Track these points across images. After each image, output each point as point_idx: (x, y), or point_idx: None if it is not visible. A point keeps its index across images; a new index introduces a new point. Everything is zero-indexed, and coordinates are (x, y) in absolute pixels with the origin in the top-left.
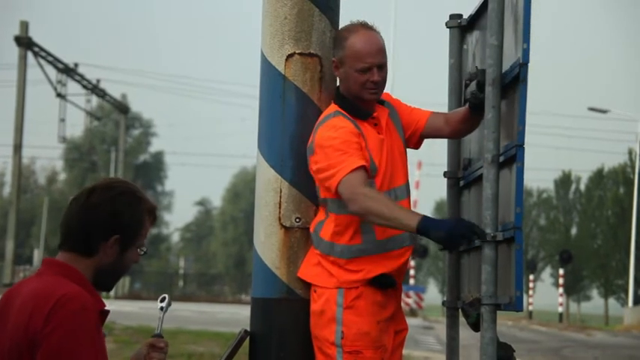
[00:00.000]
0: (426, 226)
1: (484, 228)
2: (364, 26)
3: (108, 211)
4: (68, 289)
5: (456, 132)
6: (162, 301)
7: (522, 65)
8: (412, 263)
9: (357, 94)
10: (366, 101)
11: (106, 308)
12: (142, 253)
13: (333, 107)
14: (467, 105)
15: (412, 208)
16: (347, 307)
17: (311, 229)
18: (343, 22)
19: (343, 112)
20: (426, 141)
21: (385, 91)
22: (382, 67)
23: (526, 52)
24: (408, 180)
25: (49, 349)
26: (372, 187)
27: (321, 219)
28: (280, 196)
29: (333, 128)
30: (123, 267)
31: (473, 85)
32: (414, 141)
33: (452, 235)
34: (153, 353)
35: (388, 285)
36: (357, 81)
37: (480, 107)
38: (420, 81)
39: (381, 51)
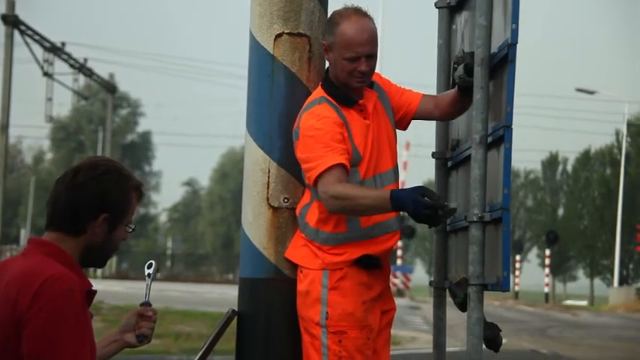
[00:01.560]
0: (397, 207)
1: (472, 209)
2: (357, 12)
3: (95, 190)
4: (55, 270)
5: (445, 115)
6: (149, 267)
7: (511, 46)
8: (399, 244)
9: (344, 81)
10: (354, 88)
11: (93, 288)
12: (131, 230)
13: (320, 92)
14: (456, 88)
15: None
16: (332, 288)
17: (297, 212)
18: (332, 2)
19: (329, 97)
20: (414, 122)
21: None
22: (371, 57)
23: (515, 33)
24: (396, 163)
25: (35, 330)
26: (354, 176)
27: (306, 202)
28: (268, 177)
29: (317, 117)
30: (112, 245)
31: (460, 69)
32: (404, 123)
33: (419, 218)
34: (141, 322)
35: (373, 265)
36: (344, 69)
37: (468, 91)
38: (408, 61)
39: (372, 41)
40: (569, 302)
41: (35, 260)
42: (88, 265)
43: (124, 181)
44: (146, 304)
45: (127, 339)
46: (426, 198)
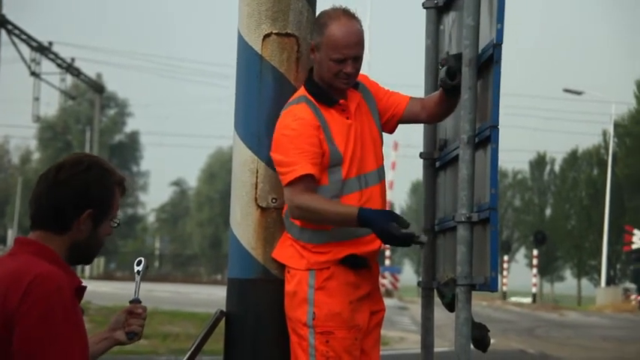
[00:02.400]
0: (363, 226)
1: (460, 209)
2: (346, 14)
3: (78, 187)
4: (43, 268)
5: (432, 117)
6: (138, 264)
7: (496, 46)
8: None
9: (330, 81)
10: (338, 89)
11: (82, 284)
12: (115, 225)
13: (302, 91)
14: (441, 89)
15: (388, 190)
16: (318, 288)
17: (282, 213)
18: (320, 2)
19: (310, 97)
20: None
21: (362, 72)
22: (357, 59)
23: (500, 33)
24: (381, 164)
25: (26, 329)
26: (335, 175)
27: None
28: (257, 177)
29: (293, 117)
30: (97, 242)
31: (442, 72)
32: (391, 125)
33: (387, 242)
34: (131, 320)
35: (359, 265)
36: (330, 69)
37: (454, 91)
38: (396, 62)
39: (359, 43)
40: (513, 299)
41: (22, 260)
42: (75, 263)
43: (107, 177)
44: (136, 300)
45: (117, 336)
46: (394, 223)
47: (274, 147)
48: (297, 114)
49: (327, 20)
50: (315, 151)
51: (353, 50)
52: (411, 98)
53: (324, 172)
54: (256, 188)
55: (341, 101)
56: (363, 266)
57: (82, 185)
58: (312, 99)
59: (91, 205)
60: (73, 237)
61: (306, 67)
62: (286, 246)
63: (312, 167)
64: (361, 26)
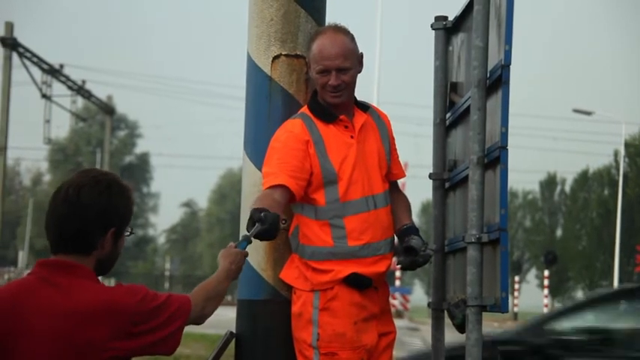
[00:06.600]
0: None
1: (469, 229)
2: (334, 28)
3: (103, 208)
4: (107, 293)
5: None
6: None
7: (504, 67)
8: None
9: (321, 95)
10: (331, 104)
11: None
12: (128, 234)
13: (304, 107)
14: (403, 229)
15: None
16: (322, 309)
17: (289, 233)
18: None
19: (309, 112)
20: (412, 143)
21: (371, 89)
22: (344, 71)
23: (508, 54)
24: (387, 188)
25: (151, 342)
26: (332, 194)
27: (297, 222)
28: None
29: (284, 130)
30: (118, 254)
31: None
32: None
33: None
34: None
35: (364, 285)
36: (318, 82)
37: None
38: (405, 82)
39: (342, 55)
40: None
41: (82, 287)
42: (99, 276)
43: (125, 192)
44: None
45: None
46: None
47: (265, 156)
48: (288, 128)
49: (315, 35)
50: (296, 164)
51: (335, 62)
52: (396, 182)
53: (319, 191)
54: None
55: (341, 117)
56: (367, 286)
57: (107, 206)
58: (310, 115)
59: (115, 223)
60: (98, 255)
61: (315, 88)
62: (292, 267)
63: (288, 179)
64: (349, 39)
